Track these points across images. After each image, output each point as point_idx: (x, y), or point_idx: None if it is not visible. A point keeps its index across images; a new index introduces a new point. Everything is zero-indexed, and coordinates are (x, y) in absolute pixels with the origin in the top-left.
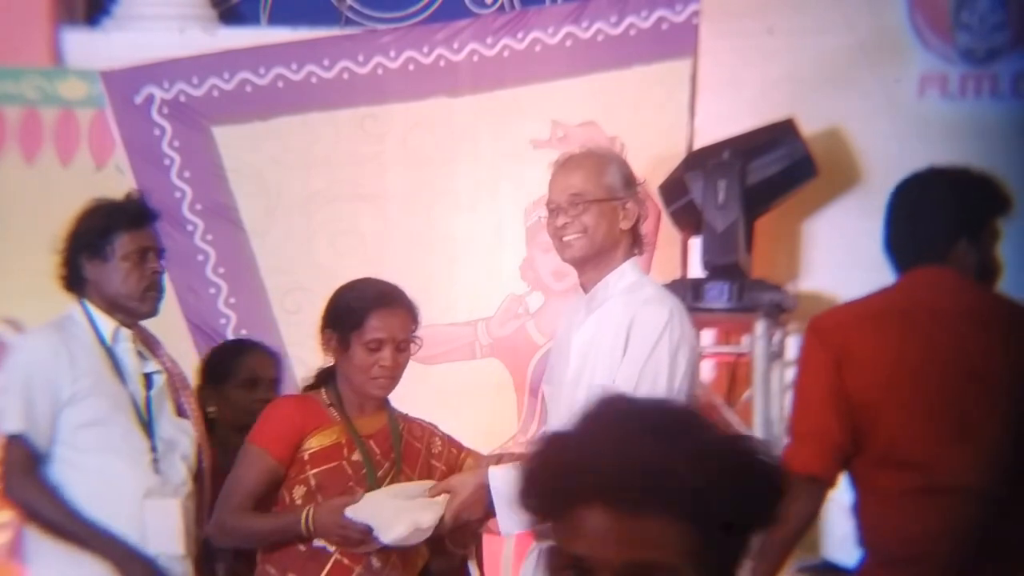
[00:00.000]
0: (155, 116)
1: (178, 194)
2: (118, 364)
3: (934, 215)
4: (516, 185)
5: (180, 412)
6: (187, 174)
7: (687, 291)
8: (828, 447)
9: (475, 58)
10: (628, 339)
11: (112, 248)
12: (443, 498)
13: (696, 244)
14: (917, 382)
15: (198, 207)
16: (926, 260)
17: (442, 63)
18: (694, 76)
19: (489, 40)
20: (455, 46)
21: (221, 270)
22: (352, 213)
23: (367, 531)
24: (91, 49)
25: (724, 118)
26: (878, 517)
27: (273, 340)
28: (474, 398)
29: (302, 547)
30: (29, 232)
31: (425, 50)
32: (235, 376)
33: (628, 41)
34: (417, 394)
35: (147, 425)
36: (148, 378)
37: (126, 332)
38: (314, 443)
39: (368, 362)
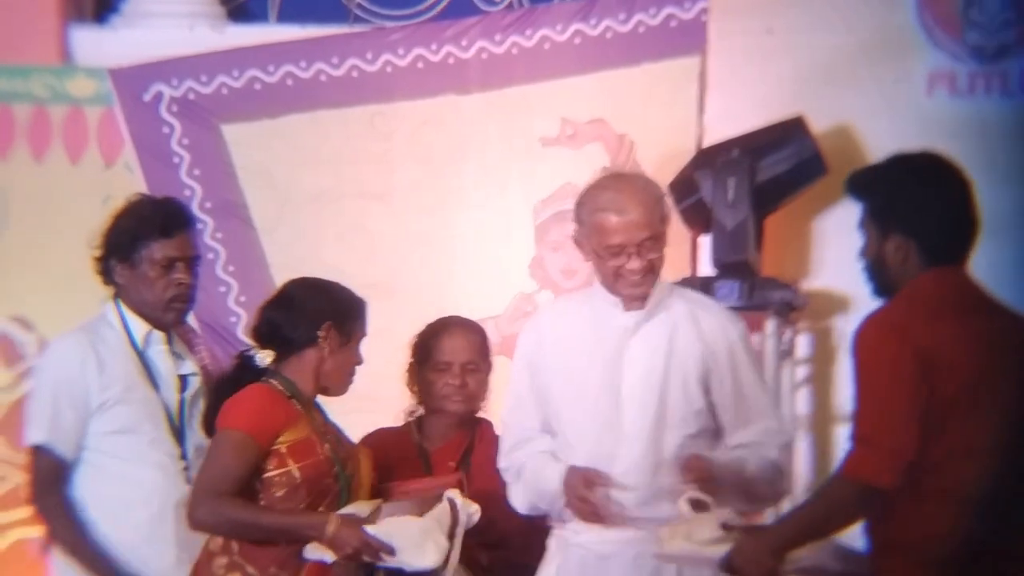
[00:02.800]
0: (164, 114)
1: (187, 192)
2: (150, 368)
3: (970, 211)
4: (525, 183)
5: None
6: (196, 172)
7: (697, 289)
8: (903, 458)
9: (484, 56)
10: None
11: (140, 255)
12: (442, 510)
13: (706, 242)
14: (994, 387)
15: (207, 205)
16: (961, 259)
17: (451, 61)
18: (703, 73)
19: (498, 38)
20: (464, 44)
21: (231, 268)
22: (361, 211)
23: (390, 550)
24: (100, 47)
25: (733, 116)
26: (924, 519)
27: None
28: None
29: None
30: (38, 230)
31: (434, 48)
32: (431, 358)
33: (637, 38)
34: None
35: (179, 431)
36: (183, 380)
37: (159, 335)
38: (289, 436)
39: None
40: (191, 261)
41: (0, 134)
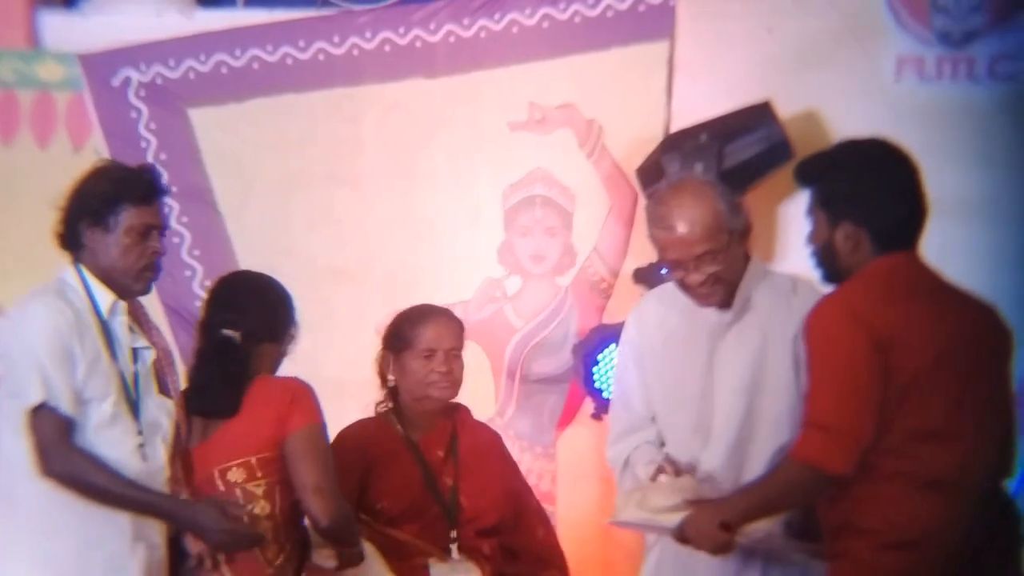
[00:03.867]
0: (132, 98)
1: None
2: (111, 338)
3: (919, 196)
4: (494, 168)
5: (163, 390)
6: (163, 156)
7: (661, 274)
8: (859, 445)
9: (452, 39)
10: None
11: (116, 220)
12: None
13: None
14: (952, 371)
15: (174, 189)
16: (911, 244)
17: (418, 44)
18: (671, 58)
19: (466, 21)
20: (432, 27)
21: (196, 252)
22: (328, 195)
23: None
24: (69, 32)
25: (701, 100)
26: (887, 503)
27: None
28: None
29: None
30: (5, 214)
31: (401, 31)
32: (413, 347)
33: (605, 23)
34: None
35: (134, 405)
36: (135, 353)
37: (122, 305)
38: None
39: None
40: (162, 231)
41: None
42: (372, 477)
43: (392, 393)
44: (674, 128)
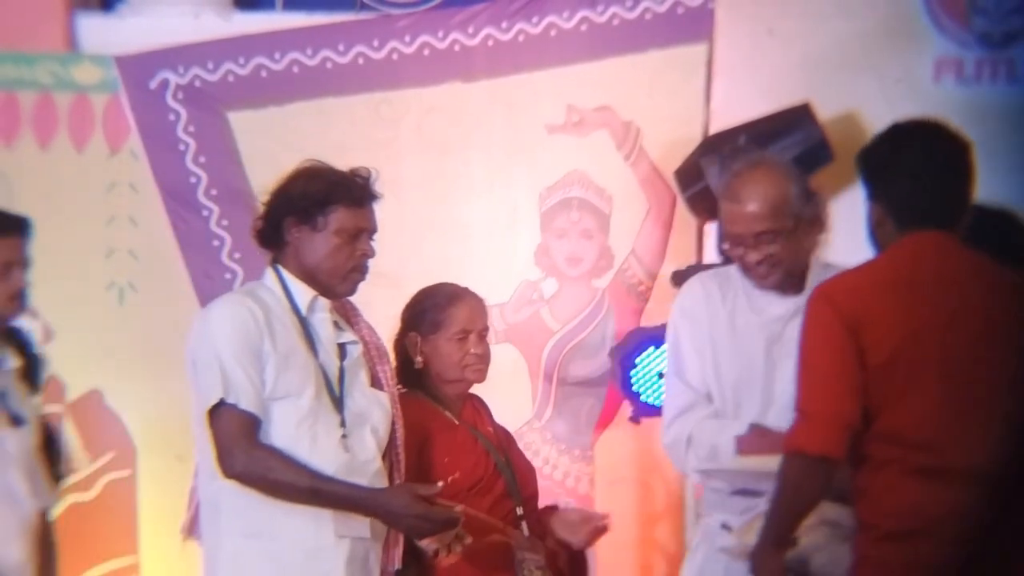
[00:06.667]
0: (170, 101)
1: (193, 179)
2: (311, 335)
3: (959, 177)
4: (531, 170)
5: (375, 383)
6: (202, 159)
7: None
8: (842, 427)
9: (490, 43)
10: None
11: (326, 220)
12: None
13: (712, 229)
14: (935, 353)
15: (213, 192)
16: (936, 223)
17: (457, 48)
18: (710, 60)
19: (504, 24)
20: (470, 31)
21: (237, 255)
22: None
23: None
24: (106, 34)
25: (740, 102)
26: (881, 492)
27: None
28: (489, 383)
29: None
30: (43, 217)
31: (440, 35)
32: (446, 328)
33: (644, 25)
34: None
35: (338, 399)
36: (342, 348)
37: (323, 302)
38: None
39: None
40: (372, 234)
41: (6, 121)
42: (432, 450)
43: (412, 376)
44: (713, 130)
